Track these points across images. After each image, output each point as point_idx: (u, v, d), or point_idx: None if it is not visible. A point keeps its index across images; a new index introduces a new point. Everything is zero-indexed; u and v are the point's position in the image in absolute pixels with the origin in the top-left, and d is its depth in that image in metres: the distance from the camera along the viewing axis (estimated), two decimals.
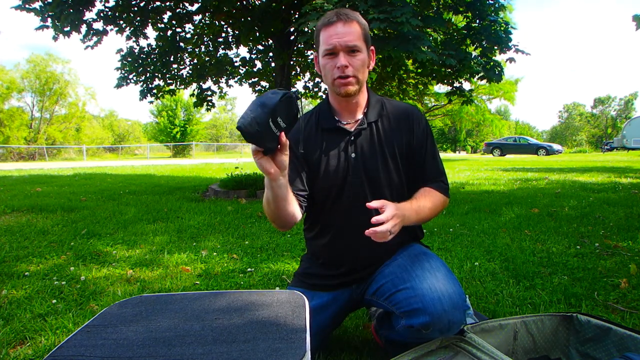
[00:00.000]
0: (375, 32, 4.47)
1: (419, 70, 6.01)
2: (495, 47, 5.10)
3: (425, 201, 1.19)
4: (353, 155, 1.22)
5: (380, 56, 5.74)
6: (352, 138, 1.23)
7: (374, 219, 0.98)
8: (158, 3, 5.78)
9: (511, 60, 5.09)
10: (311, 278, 1.33)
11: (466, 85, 6.44)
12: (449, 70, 5.34)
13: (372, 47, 1.23)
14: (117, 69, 6.50)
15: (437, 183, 1.27)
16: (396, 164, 1.25)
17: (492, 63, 5.21)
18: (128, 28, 5.92)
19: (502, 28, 5.04)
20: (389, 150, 1.24)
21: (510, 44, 4.99)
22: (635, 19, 3.01)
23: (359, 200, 1.20)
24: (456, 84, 5.93)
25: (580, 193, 4.85)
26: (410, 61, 5.90)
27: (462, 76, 5.53)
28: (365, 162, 1.23)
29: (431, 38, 5.23)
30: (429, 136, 1.29)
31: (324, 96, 8.47)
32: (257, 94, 7.62)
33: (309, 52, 7.05)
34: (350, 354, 1.37)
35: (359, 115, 1.26)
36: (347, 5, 4.02)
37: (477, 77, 5.34)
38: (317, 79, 7.81)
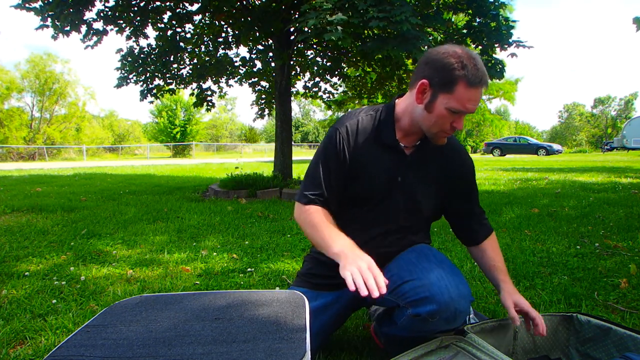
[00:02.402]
0: (375, 31, 4.46)
1: None
2: (496, 45, 5.08)
3: (500, 257, 1.32)
4: (399, 179, 1.22)
5: (380, 56, 5.74)
6: (405, 160, 1.22)
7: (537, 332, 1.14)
8: (158, 3, 5.78)
9: (513, 55, 5.05)
10: (315, 278, 1.33)
11: None
12: None
13: None
14: (117, 68, 6.49)
15: (484, 224, 1.35)
16: (437, 195, 1.28)
17: (493, 61, 5.20)
18: (128, 28, 5.92)
19: (503, 24, 5.01)
20: (436, 182, 1.26)
21: (510, 40, 4.96)
22: (636, 21, 3.02)
23: (389, 219, 1.25)
24: None
25: (580, 193, 4.85)
26: (410, 61, 5.90)
27: None
28: (409, 187, 1.23)
29: (431, 38, 5.22)
30: (474, 182, 1.35)
31: (324, 96, 8.47)
32: (257, 93, 7.61)
33: (309, 52, 7.05)
34: (350, 354, 1.36)
35: (417, 141, 1.24)
36: (346, 5, 4.02)
37: None
38: (317, 79, 7.80)
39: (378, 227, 1.25)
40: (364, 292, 0.93)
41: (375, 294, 0.93)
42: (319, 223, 1.16)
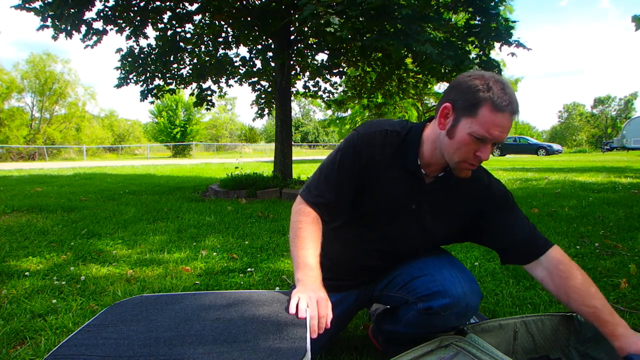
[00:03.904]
0: (375, 28, 4.45)
1: (417, 69, 6.02)
2: (497, 43, 5.08)
3: (596, 291, 1.11)
4: (414, 206, 1.15)
5: (380, 54, 5.73)
6: (423, 190, 1.15)
7: None
8: (158, 3, 5.78)
9: (513, 54, 5.07)
10: None
11: None
12: (448, 68, 5.35)
13: None
14: (117, 68, 6.49)
15: (554, 249, 1.15)
16: (450, 228, 1.21)
17: (491, 62, 5.21)
18: (128, 28, 5.91)
19: (503, 23, 5.03)
20: (453, 217, 1.19)
21: (511, 40, 4.97)
22: (635, 19, 3.01)
23: (394, 243, 1.20)
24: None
25: (580, 193, 4.85)
26: (410, 59, 5.90)
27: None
28: (423, 216, 1.16)
29: (431, 36, 5.23)
30: (512, 204, 1.19)
31: (324, 96, 8.46)
32: (256, 92, 7.61)
33: (308, 52, 7.04)
34: (350, 354, 1.37)
35: (441, 172, 1.15)
36: (344, 2, 4.02)
37: None
38: (317, 78, 7.80)
39: (381, 247, 1.21)
40: (301, 315, 0.93)
41: (314, 336, 0.93)
42: (305, 238, 1.10)
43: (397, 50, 4.16)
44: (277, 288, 1.98)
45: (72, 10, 4.97)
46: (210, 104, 7.29)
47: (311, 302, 0.97)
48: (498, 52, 6.50)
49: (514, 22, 5.17)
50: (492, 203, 1.18)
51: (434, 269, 1.14)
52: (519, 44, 4.98)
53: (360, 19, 4.08)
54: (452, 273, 1.11)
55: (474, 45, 5.29)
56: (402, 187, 1.14)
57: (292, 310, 0.94)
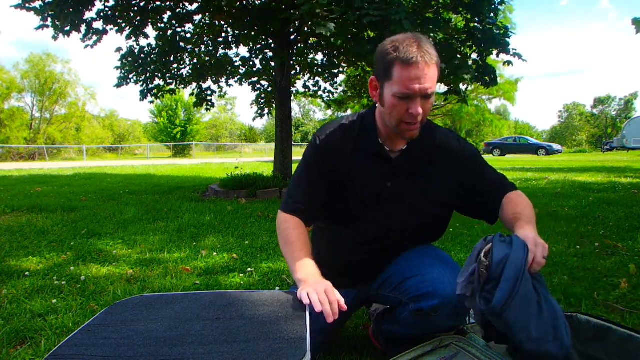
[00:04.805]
0: (371, 34, 4.47)
1: None
2: (494, 50, 5.14)
3: (523, 206, 1.14)
4: (389, 184, 1.18)
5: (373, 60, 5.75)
6: (393, 167, 1.18)
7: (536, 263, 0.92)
8: (158, 3, 5.78)
9: (508, 63, 5.13)
10: None
11: (465, 86, 6.48)
12: (447, 70, 5.38)
13: None
14: (117, 68, 6.49)
15: (505, 191, 1.21)
16: (434, 199, 1.20)
17: (488, 68, 5.26)
18: (128, 28, 5.91)
19: (501, 31, 5.08)
20: (430, 185, 1.19)
21: (508, 48, 5.04)
22: (635, 22, 3.01)
23: (383, 228, 1.21)
24: (452, 85, 5.96)
25: (580, 193, 4.85)
26: None
27: (455, 83, 5.57)
28: (399, 193, 1.18)
29: (429, 39, 5.25)
30: (477, 159, 1.23)
31: (324, 96, 8.47)
32: (256, 92, 7.61)
33: (307, 52, 7.05)
34: (350, 354, 1.37)
35: (403, 145, 1.18)
36: (342, 4, 4.02)
37: (471, 83, 5.42)
38: (317, 78, 7.80)
39: (367, 238, 1.22)
40: (318, 308, 0.94)
41: (330, 320, 0.94)
42: (293, 242, 1.14)
43: None
44: (277, 288, 1.98)
45: (72, 10, 4.96)
46: (210, 104, 7.29)
47: (320, 294, 0.98)
48: (498, 62, 6.55)
49: (511, 32, 5.23)
50: (467, 164, 1.21)
51: (425, 269, 1.13)
52: (515, 54, 5.07)
53: (355, 23, 4.09)
54: (442, 272, 1.10)
55: (472, 50, 5.32)
56: (372, 170, 1.17)
57: (307, 301, 0.96)
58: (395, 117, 1.07)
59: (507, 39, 5.07)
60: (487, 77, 5.22)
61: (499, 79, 5.85)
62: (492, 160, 16.97)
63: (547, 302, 0.89)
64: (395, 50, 1.01)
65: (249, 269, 2.27)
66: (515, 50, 5.08)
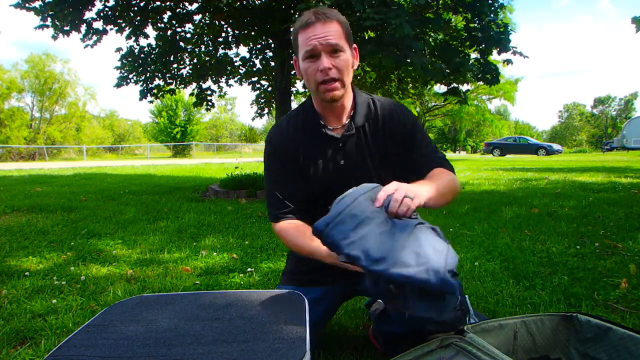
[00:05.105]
0: (371, 34, 4.48)
1: (414, 74, 6.07)
2: (495, 49, 5.14)
3: (437, 178, 1.12)
4: (342, 162, 1.19)
5: (372, 62, 5.75)
6: (340, 145, 1.19)
7: (380, 195, 0.92)
8: (158, 3, 5.78)
9: (508, 62, 5.12)
10: (300, 275, 1.32)
11: (466, 85, 6.50)
12: (447, 71, 5.39)
13: (355, 46, 1.18)
14: (117, 68, 6.49)
15: (440, 163, 1.20)
16: (387, 168, 1.21)
17: (490, 66, 5.26)
18: (128, 28, 5.91)
19: (502, 30, 5.08)
20: (379, 155, 1.20)
21: (509, 46, 5.03)
22: (635, 21, 3.01)
23: None
24: (454, 84, 5.96)
25: (580, 193, 4.85)
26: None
27: (457, 81, 5.58)
28: (354, 169, 1.19)
29: (430, 39, 5.25)
30: (419, 131, 1.23)
31: None
32: (256, 92, 7.60)
33: None
34: (350, 354, 1.36)
35: (346, 120, 1.20)
36: (343, 5, 4.03)
37: (473, 80, 5.42)
38: None
39: None
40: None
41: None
42: (301, 237, 1.15)
43: (389, 64, 4.21)
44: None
45: (71, 10, 4.96)
46: (210, 104, 7.29)
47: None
48: (497, 61, 6.57)
49: (511, 31, 5.22)
50: (406, 133, 1.21)
51: None
52: (516, 52, 5.05)
53: (355, 25, 4.10)
54: None
55: (473, 49, 5.33)
56: (323, 151, 1.20)
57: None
58: (312, 82, 1.11)
59: (508, 37, 5.06)
60: (488, 75, 5.22)
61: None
62: (492, 160, 16.97)
63: (413, 235, 0.87)
64: (297, 23, 1.11)
65: (249, 269, 2.27)
66: (516, 48, 5.06)
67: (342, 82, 1.11)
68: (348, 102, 1.20)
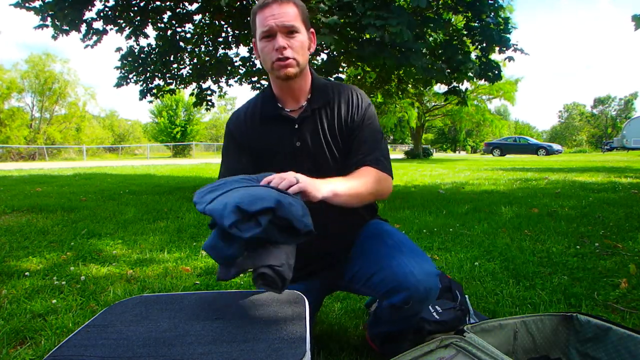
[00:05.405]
0: (372, 36, 4.49)
1: (415, 75, 6.09)
2: (495, 47, 5.14)
3: (357, 177, 1.12)
4: (298, 144, 1.19)
5: (374, 63, 5.77)
6: (296, 126, 1.20)
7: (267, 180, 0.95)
8: (158, 3, 5.78)
9: (510, 59, 5.12)
10: None
11: (466, 85, 6.51)
12: (448, 70, 5.38)
13: (313, 30, 1.19)
14: (117, 68, 6.50)
15: (373, 162, 1.18)
16: (340, 153, 1.21)
17: (491, 64, 5.25)
18: (128, 28, 5.92)
19: (502, 27, 5.07)
20: (335, 138, 1.21)
21: (509, 43, 5.03)
22: (634, 19, 3.01)
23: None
24: (454, 83, 5.96)
25: (580, 193, 4.84)
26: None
27: (458, 80, 5.57)
28: (310, 150, 1.20)
29: (430, 38, 5.25)
30: (367, 125, 1.22)
31: None
32: (256, 92, 7.61)
33: None
34: (350, 354, 1.36)
35: (303, 102, 1.21)
36: (344, 7, 4.04)
37: (474, 78, 5.41)
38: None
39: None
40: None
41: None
42: None
43: (392, 65, 4.23)
44: None
45: (71, 10, 4.96)
46: (210, 104, 7.29)
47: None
48: (498, 57, 6.59)
49: (512, 27, 5.22)
50: (356, 123, 1.22)
51: (384, 261, 1.11)
52: (517, 49, 5.05)
53: (357, 26, 4.11)
54: (400, 263, 1.08)
55: (474, 47, 5.33)
56: (279, 133, 1.21)
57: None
58: (268, 60, 1.12)
59: (508, 35, 5.06)
60: (490, 73, 5.22)
61: None
62: (492, 160, 16.98)
63: (254, 189, 0.91)
64: (255, 5, 1.13)
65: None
66: (517, 45, 5.06)
67: (296, 61, 1.12)
68: (305, 84, 1.21)
